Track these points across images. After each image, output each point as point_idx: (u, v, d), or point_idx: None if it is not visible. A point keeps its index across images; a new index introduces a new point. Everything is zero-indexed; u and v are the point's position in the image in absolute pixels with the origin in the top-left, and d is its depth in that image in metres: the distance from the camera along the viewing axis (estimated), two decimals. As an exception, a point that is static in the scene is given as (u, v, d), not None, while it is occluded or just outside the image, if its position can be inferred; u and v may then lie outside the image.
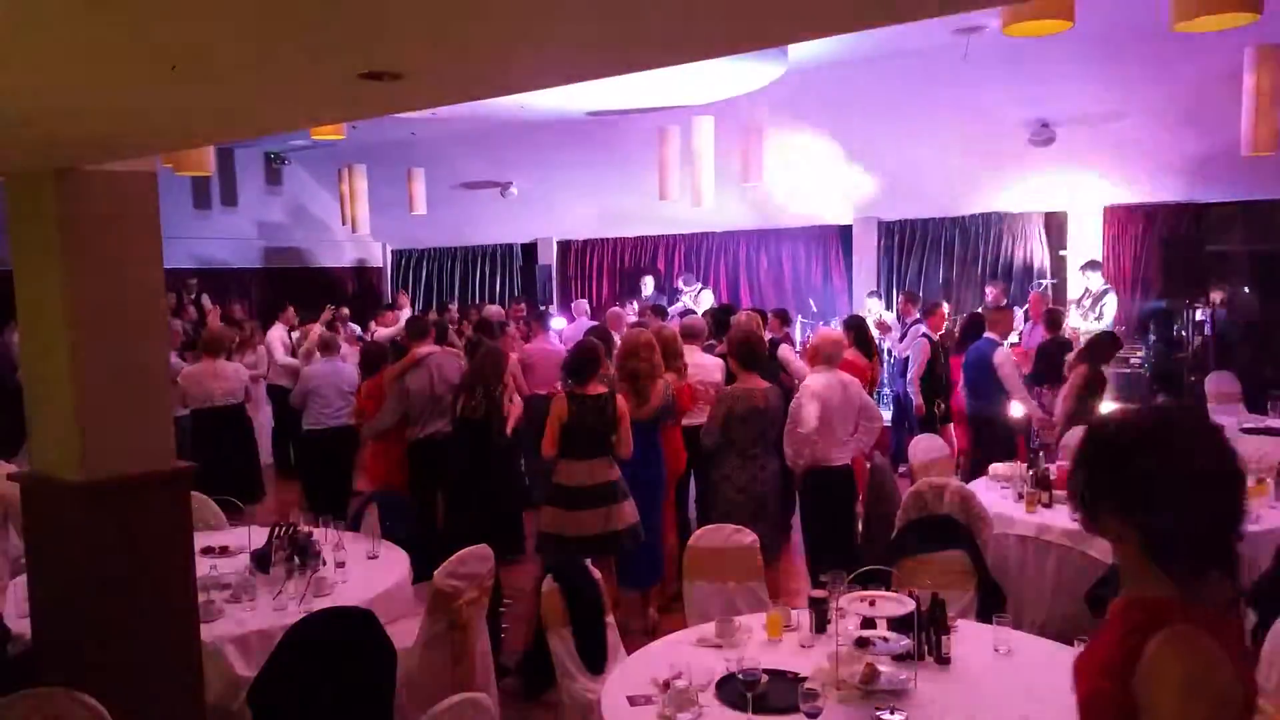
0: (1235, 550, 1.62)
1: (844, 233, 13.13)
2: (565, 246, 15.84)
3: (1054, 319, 8.40)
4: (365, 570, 4.42)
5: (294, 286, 15.35)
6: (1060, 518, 4.96)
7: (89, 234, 3.23)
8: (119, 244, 3.31)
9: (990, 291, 10.97)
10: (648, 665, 3.20)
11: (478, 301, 15.27)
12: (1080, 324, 9.99)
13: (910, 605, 3.18)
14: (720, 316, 7.97)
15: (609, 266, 15.44)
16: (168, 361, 3.78)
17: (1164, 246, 10.50)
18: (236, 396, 7.89)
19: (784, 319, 8.92)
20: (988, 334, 7.31)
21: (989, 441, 7.04)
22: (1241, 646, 1.67)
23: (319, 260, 16.70)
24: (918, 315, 9.24)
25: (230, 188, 15.18)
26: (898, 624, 3.21)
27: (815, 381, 5.45)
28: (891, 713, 2.82)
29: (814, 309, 12.02)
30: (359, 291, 16.89)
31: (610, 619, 3.91)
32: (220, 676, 3.55)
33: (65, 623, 3.32)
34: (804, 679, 2.99)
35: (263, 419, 9.75)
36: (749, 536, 4.30)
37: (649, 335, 5.81)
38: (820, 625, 3.45)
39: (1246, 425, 7.68)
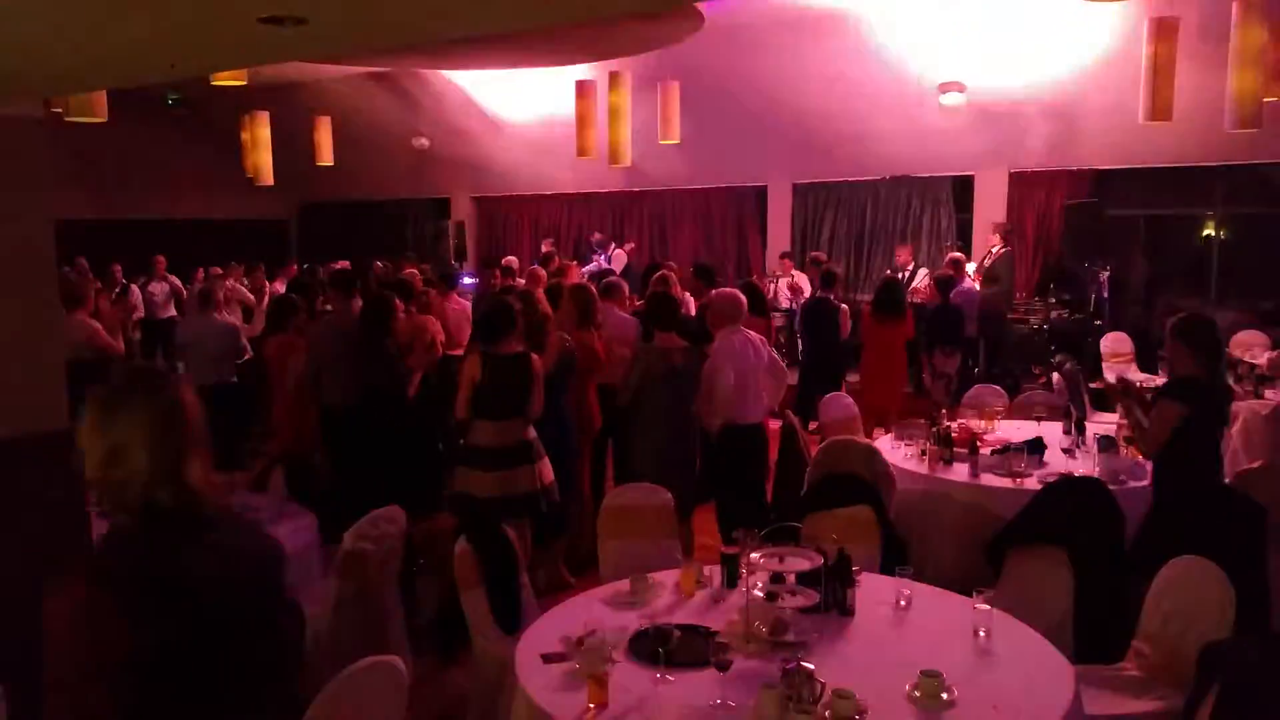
0: None
1: (760, 194, 13.22)
2: (479, 202, 15.58)
3: (945, 283, 8.54)
4: (271, 533, 4.31)
5: (193, 238, 14.75)
6: (960, 474, 5.13)
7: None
8: (2, 194, 3.13)
9: (900, 253, 11.21)
10: (562, 623, 3.21)
11: (385, 258, 14.91)
12: (980, 284, 10.29)
13: (818, 560, 3.27)
14: (645, 275, 7.98)
15: (527, 224, 15.25)
16: (59, 316, 3.61)
17: (1066, 211, 10.83)
18: (74, 353, 7.23)
19: (708, 277, 8.12)
20: None
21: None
22: None
23: (219, 212, 16.06)
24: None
25: (125, 134, 14.38)
26: (805, 578, 3.29)
27: (727, 343, 5.48)
28: (797, 663, 2.89)
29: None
30: (263, 244, 16.31)
31: (524, 579, 3.91)
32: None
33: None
34: (715, 633, 3.05)
35: None
36: (664, 495, 4.33)
37: (529, 290, 6.04)
38: (731, 581, 3.51)
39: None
